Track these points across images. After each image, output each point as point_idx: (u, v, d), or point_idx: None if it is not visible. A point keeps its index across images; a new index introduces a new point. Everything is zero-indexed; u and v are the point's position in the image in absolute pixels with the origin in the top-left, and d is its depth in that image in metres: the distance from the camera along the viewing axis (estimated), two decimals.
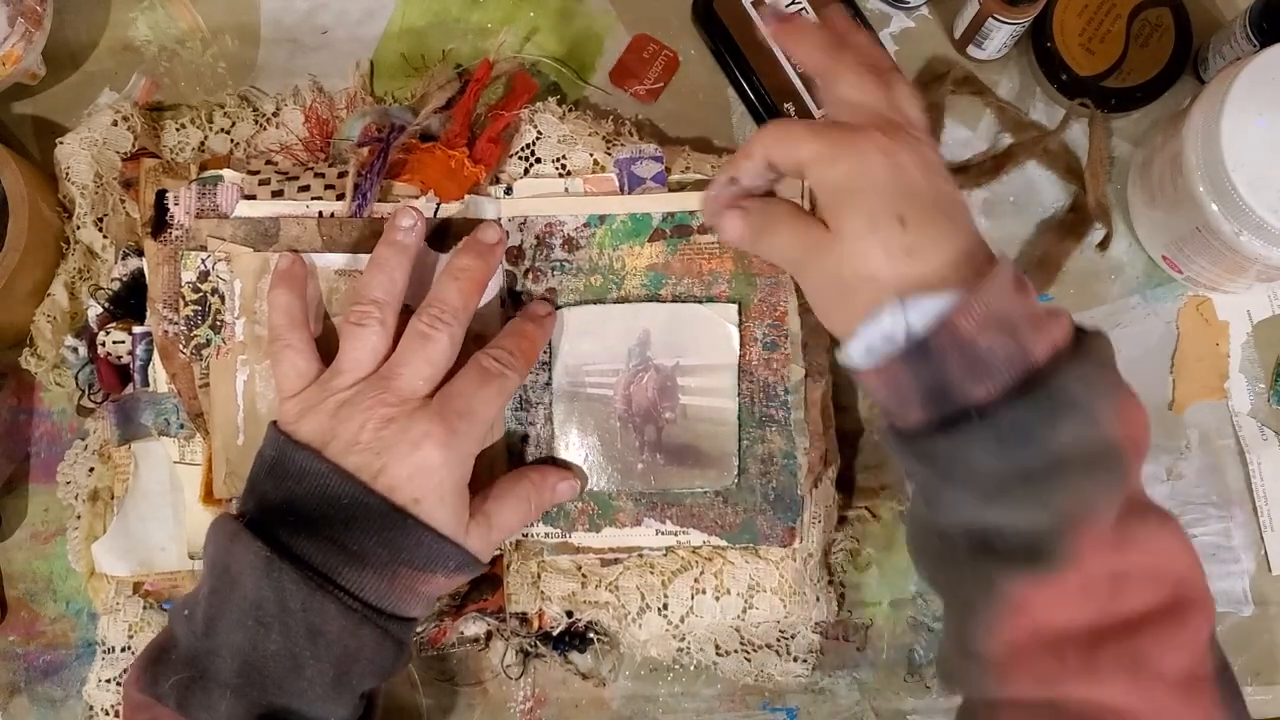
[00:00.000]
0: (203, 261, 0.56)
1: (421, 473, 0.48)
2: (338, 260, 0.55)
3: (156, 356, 0.56)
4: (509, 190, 0.59)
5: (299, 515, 0.47)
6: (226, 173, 0.57)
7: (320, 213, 0.56)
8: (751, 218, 0.49)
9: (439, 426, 0.48)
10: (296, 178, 0.57)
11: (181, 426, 0.56)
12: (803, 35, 0.49)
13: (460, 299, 0.51)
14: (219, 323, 0.55)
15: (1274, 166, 0.54)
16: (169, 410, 0.57)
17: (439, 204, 0.57)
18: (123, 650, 0.57)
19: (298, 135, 0.61)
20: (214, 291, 0.56)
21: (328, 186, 0.56)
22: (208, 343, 0.55)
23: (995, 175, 0.64)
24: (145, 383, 0.57)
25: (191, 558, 0.56)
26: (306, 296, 0.53)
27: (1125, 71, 0.63)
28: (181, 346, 0.56)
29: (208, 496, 0.56)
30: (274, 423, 0.50)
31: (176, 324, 0.56)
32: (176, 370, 0.56)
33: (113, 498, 0.58)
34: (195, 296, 0.56)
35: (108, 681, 0.56)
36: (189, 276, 0.56)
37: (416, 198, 0.56)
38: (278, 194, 0.56)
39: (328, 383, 0.50)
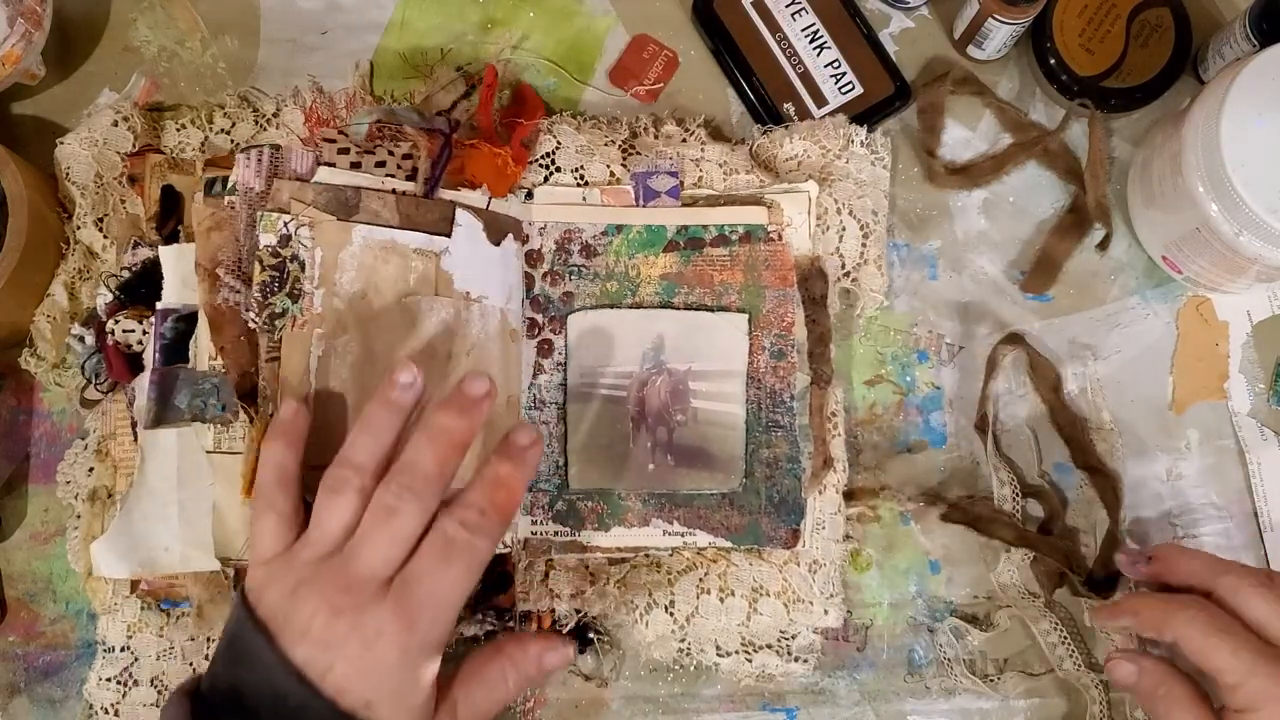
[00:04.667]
0: (285, 225, 0.53)
1: (374, 674, 0.43)
2: (415, 239, 0.55)
3: (201, 330, 0.54)
4: (530, 195, 0.60)
5: (245, 708, 0.43)
6: (292, 139, 0.55)
7: (394, 190, 0.55)
8: (1145, 680, 0.51)
9: (395, 622, 0.43)
10: (372, 152, 0.56)
11: (223, 409, 0.54)
12: (1184, 559, 0.52)
13: (435, 466, 0.46)
14: (297, 291, 0.53)
15: (1274, 166, 0.54)
16: (207, 391, 0.54)
17: (490, 198, 0.57)
18: (122, 650, 0.57)
19: (298, 135, 0.61)
20: (293, 258, 0.53)
21: (400, 163, 0.56)
22: (283, 312, 0.53)
23: (995, 175, 0.64)
24: (168, 363, 0.55)
25: (223, 561, 0.54)
26: (302, 452, 0.49)
27: (1125, 71, 0.63)
28: (254, 315, 0.53)
29: (251, 490, 0.52)
30: (242, 587, 0.47)
31: (238, 291, 0.53)
32: (227, 343, 0.53)
33: (109, 496, 0.57)
34: (274, 261, 0.53)
35: (108, 680, 0.56)
36: (269, 240, 0.53)
37: (473, 189, 0.57)
38: (356, 165, 0.55)
39: (296, 555, 0.46)
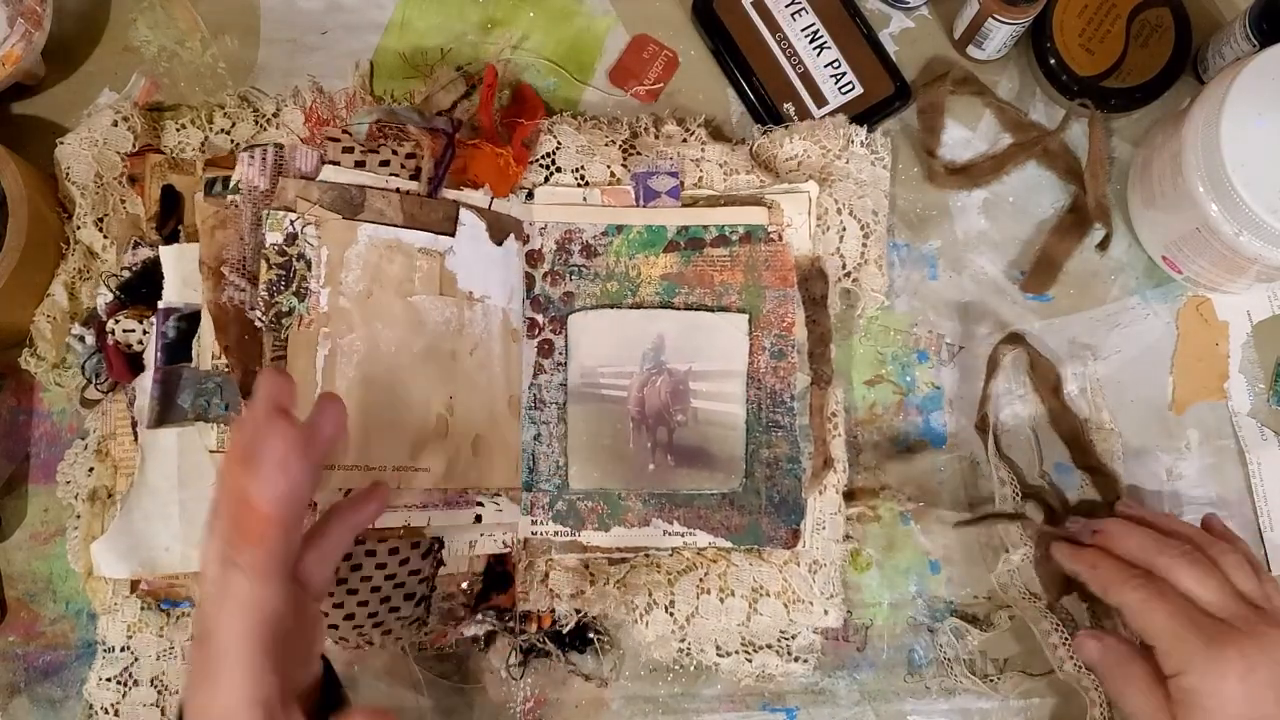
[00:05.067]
0: (291, 223, 0.53)
1: None
2: (420, 239, 0.55)
3: (204, 328, 0.54)
4: (530, 195, 0.60)
5: None
6: (292, 139, 0.56)
7: (398, 189, 0.56)
8: (1107, 657, 0.53)
9: None
10: (376, 151, 0.56)
11: (226, 408, 0.54)
12: (1126, 537, 0.54)
13: None
14: (303, 290, 0.53)
15: (1274, 166, 0.54)
16: (210, 391, 0.54)
17: (492, 198, 0.58)
18: (122, 650, 0.57)
19: (298, 136, 0.61)
20: (300, 256, 0.53)
21: (403, 163, 0.56)
22: (290, 311, 0.52)
23: (995, 175, 0.64)
24: (170, 363, 0.55)
25: None
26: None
27: (1125, 71, 0.63)
28: (260, 314, 0.53)
29: None
30: None
31: (243, 290, 0.53)
32: (232, 342, 0.53)
33: (109, 495, 0.57)
34: (280, 260, 0.52)
35: (108, 680, 0.56)
36: (275, 238, 0.53)
37: (476, 189, 0.57)
38: (360, 164, 0.55)
39: None
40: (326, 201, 0.54)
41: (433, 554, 0.54)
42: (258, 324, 0.53)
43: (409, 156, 0.56)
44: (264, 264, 0.53)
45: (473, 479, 0.55)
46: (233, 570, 0.38)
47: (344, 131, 0.57)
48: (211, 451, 0.55)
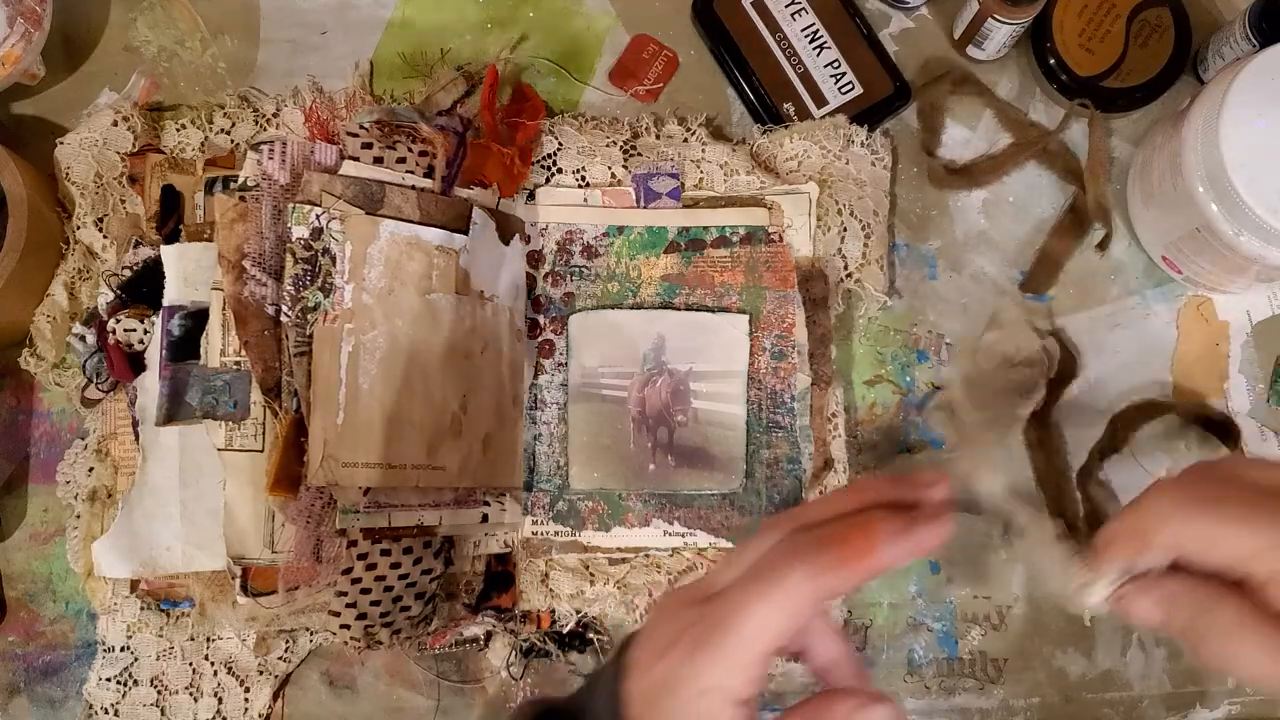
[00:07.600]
0: (317, 217, 0.52)
1: None
2: (436, 236, 0.55)
3: (213, 326, 0.53)
4: (531, 196, 0.60)
5: None
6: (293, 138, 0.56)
7: (414, 185, 0.55)
8: (1180, 612, 0.36)
9: None
10: (393, 147, 0.56)
11: (234, 405, 0.53)
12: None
13: None
14: (328, 285, 0.52)
15: (1274, 166, 0.54)
16: (218, 389, 0.54)
17: (500, 198, 0.58)
18: (122, 650, 0.57)
19: (298, 136, 0.61)
20: (325, 251, 0.52)
21: (418, 160, 0.56)
22: (316, 306, 0.52)
23: (995, 175, 0.64)
24: (174, 360, 0.55)
25: (235, 560, 0.53)
26: None
27: (1125, 71, 0.63)
28: (286, 309, 0.52)
29: (276, 485, 0.51)
30: None
31: (264, 285, 0.52)
32: (251, 337, 0.52)
33: (109, 495, 0.57)
34: (306, 255, 0.52)
35: (108, 680, 0.56)
36: (300, 232, 0.52)
37: (484, 189, 0.58)
38: (378, 160, 0.55)
39: None
40: (349, 196, 0.53)
41: (444, 553, 0.54)
42: (283, 319, 0.52)
43: (422, 154, 0.56)
44: (289, 258, 0.52)
45: (482, 478, 0.55)
46: (801, 570, 0.35)
47: (361, 127, 0.57)
48: (220, 450, 0.54)
